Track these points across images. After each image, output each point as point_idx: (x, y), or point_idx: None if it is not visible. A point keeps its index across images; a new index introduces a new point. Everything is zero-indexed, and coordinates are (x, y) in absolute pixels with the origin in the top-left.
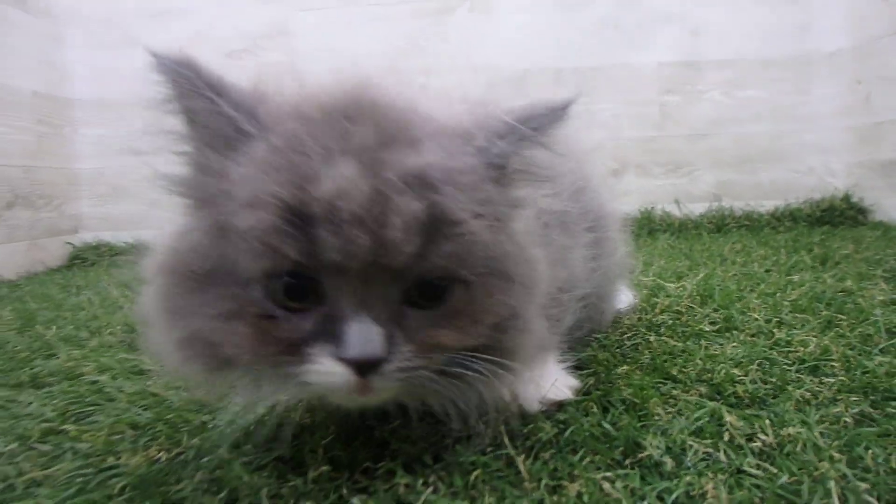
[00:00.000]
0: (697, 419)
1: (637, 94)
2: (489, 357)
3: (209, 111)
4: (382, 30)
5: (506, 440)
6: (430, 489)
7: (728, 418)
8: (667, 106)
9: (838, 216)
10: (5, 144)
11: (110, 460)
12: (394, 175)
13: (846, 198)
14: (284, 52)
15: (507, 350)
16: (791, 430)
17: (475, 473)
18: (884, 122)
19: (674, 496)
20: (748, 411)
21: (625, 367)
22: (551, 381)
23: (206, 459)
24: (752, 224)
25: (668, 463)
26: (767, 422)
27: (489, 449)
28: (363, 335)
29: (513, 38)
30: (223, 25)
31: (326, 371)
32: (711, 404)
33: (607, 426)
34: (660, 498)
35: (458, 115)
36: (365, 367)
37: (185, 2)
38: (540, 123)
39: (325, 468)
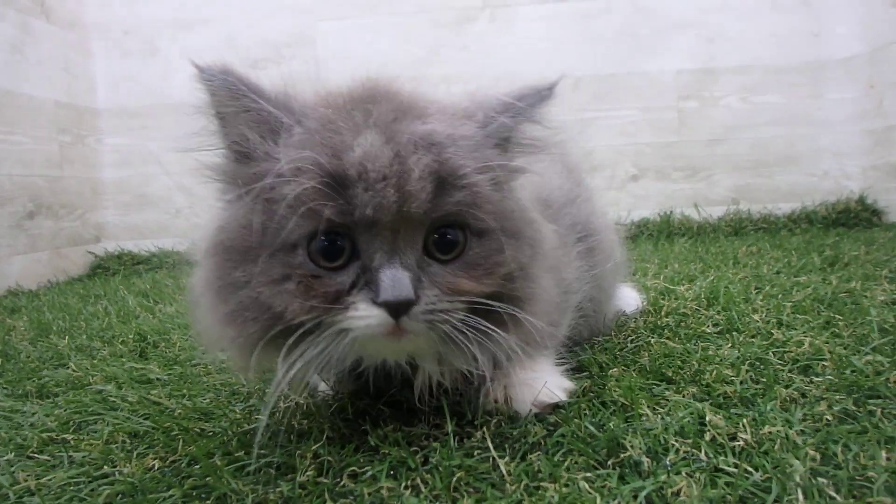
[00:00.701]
0: (681, 419)
1: (655, 101)
2: (502, 306)
3: (250, 109)
4: (402, 39)
5: (489, 443)
6: (412, 492)
7: (711, 418)
8: (684, 112)
9: (853, 218)
10: (27, 154)
11: (105, 468)
12: (407, 139)
13: (861, 200)
14: (306, 61)
15: (519, 298)
16: (771, 428)
17: (458, 475)
18: None
19: (644, 493)
20: (733, 411)
21: (617, 369)
22: (543, 383)
23: (197, 466)
24: (769, 227)
25: (646, 462)
26: (749, 421)
27: (476, 452)
28: (394, 280)
29: (532, 47)
30: (246, 35)
31: (365, 315)
32: (697, 404)
33: (592, 428)
34: (633, 496)
35: (460, 98)
36: (398, 309)
37: (209, 12)
38: (530, 102)
39: (310, 473)
